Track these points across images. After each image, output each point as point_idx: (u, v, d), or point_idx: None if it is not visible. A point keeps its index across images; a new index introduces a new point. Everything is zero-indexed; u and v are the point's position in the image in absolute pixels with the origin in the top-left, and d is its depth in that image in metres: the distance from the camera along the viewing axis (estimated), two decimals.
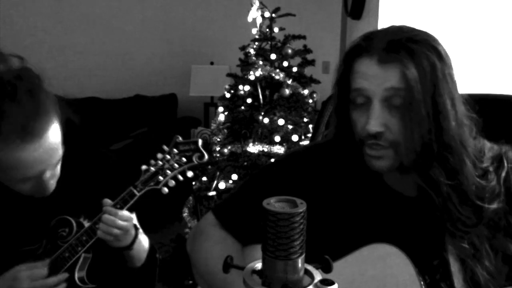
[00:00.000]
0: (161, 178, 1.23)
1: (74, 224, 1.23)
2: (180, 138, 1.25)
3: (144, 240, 1.31)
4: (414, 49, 0.92)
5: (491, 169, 1.00)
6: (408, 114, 0.92)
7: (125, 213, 1.21)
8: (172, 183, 1.24)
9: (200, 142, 1.24)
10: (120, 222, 1.19)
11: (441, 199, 0.95)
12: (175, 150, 1.23)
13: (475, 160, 0.97)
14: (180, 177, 1.25)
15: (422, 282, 0.94)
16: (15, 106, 1.05)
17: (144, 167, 1.24)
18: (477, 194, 0.96)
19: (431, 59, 0.92)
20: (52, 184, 1.21)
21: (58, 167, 1.20)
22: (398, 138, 0.94)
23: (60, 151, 1.15)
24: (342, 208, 1.04)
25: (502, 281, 0.97)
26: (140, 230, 1.32)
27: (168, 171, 1.23)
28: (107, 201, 1.22)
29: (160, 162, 1.23)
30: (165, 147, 1.25)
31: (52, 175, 1.18)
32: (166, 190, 1.24)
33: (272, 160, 2.70)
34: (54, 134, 1.11)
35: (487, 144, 1.04)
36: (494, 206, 0.96)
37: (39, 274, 1.17)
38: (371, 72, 0.94)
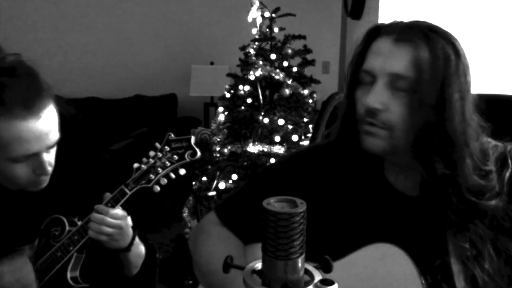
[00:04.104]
0: (152, 176, 1.20)
1: (67, 224, 1.22)
2: (173, 136, 1.22)
3: (141, 245, 1.30)
4: (431, 37, 0.92)
5: (494, 169, 0.98)
6: (411, 99, 0.91)
7: (117, 211, 1.19)
8: (164, 181, 1.21)
9: (193, 139, 1.20)
10: (111, 220, 1.18)
11: (440, 185, 0.94)
12: (167, 148, 1.20)
13: (476, 161, 0.96)
14: (172, 175, 1.22)
15: (423, 282, 0.94)
16: (14, 81, 1.08)
17: (136, 165, 1.22)
18: (472, 191, 0.94)
19: (446, 50, 0.92)
20: (46, 178, 1.20)
21: (53, 155, 1.19)
22: (395, 121, 0.93)
23: (57, 135, 1.16)
24: (345, 208, 1.04)
25: (504, 283, 0.96)
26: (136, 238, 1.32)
27: (160, 169, 1.20)
28: (106, 195, 1.21)
29: (152, 160, 1.21)
30: (157, 145, 1.22)
31: (49, 163, 1.17)
32: (158, 188, 1.21)
33: (274, 160, 2.70)
34: (52, 114, 1.14)
35: (492, 143, 1.02)
36: (492, 203, 0.94)
37: (20, 264, 1.16)
38: (383, 50, 0.94)
